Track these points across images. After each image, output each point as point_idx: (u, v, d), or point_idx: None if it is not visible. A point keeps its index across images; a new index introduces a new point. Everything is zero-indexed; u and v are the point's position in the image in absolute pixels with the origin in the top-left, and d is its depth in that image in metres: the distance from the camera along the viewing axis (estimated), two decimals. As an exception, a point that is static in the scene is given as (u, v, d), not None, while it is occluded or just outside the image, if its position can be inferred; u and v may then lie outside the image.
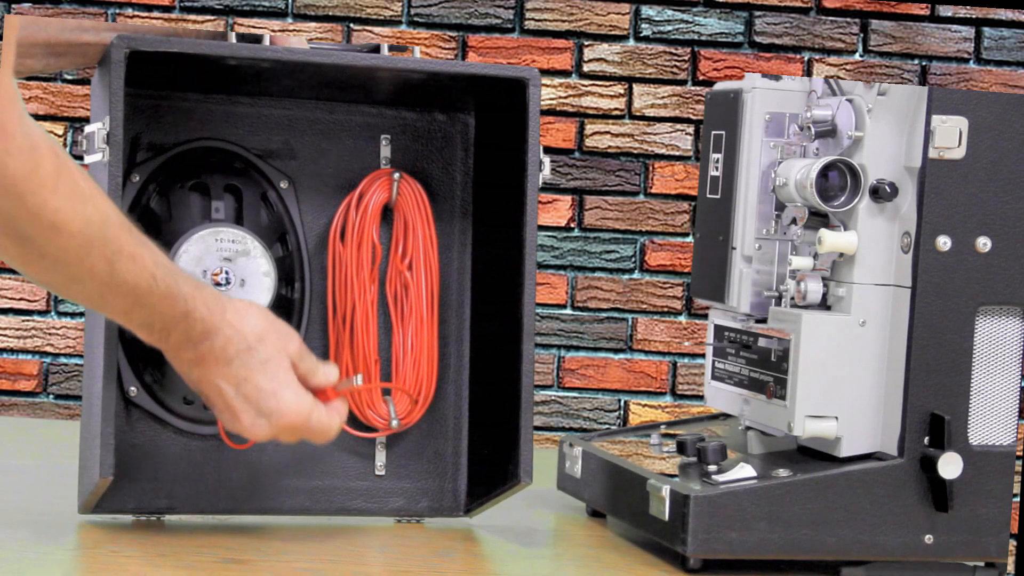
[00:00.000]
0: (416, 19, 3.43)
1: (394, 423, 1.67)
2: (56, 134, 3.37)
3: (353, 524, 1.67)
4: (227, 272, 1.60)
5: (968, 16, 3.49)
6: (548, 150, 3.47)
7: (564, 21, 3.46)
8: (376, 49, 1.65)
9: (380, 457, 1.69)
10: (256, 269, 1.61)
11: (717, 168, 1.71)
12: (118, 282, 1.32)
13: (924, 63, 3.50)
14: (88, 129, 1.54)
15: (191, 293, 1.39)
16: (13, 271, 3.41)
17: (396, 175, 1.69)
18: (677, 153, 3.49)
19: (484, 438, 1.69)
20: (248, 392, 1.44)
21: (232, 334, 1.43)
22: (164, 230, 1.61)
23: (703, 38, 3.47)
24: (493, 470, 1.65)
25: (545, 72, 3.47)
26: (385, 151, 1.71)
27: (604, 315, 3.49)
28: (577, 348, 3.49)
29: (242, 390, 1.44)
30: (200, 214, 1.63)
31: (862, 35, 3.50)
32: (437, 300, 1.69)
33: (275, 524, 1.64)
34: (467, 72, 1.67)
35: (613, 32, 3.47)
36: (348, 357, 1.67)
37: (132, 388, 1.61)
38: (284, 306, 1.66)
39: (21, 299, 3.41)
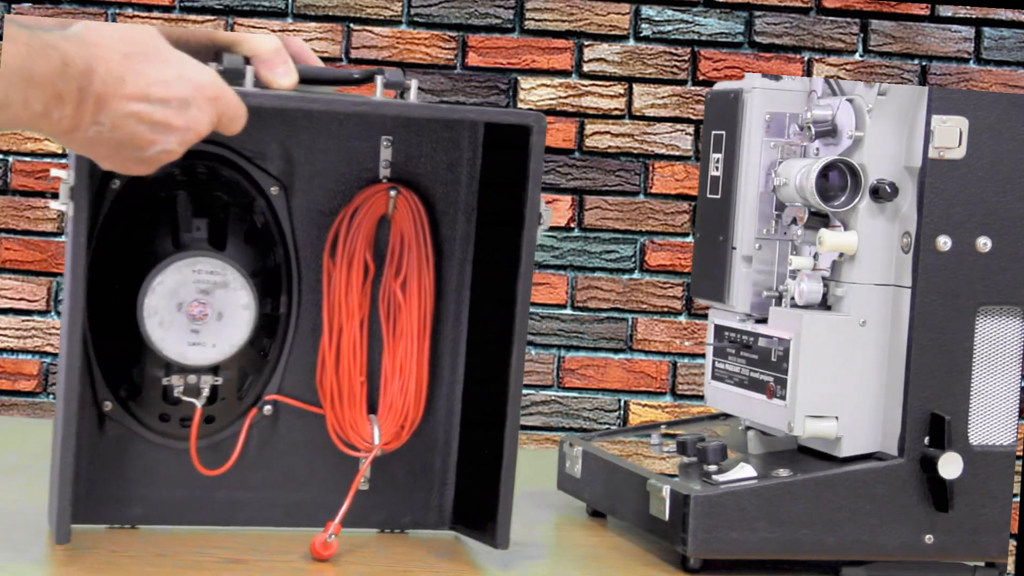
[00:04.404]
0: (416, 19, 3.43)
1: (378, 453, 1.60)
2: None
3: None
4: (203, 305, 1.54)
5: (968, 16, 3.49)
6: (548, 150, 3.47)
7: (564, 21, 3.46)
8: (370, 78, 1.55)
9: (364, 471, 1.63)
10: (235, 302, 1.54)
11: (717, 168, 1.71)
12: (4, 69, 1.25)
13: (924, 63, 3.50)
14: (55, 172, 1.49)
15: (54, 40, 1.31)
16: (13, 271, 3.42)
17: (393, 192, 1.61)
18: (677, 153, 3.49)
19: (475, 454, 1.63)
20: (159, 93, 1.34)
21: (103, 52, 1.32)
22: (144, 240, 1.56)
23: (703, 38, 3.47)
24: (482, 486, 1.58)
25: (545, 72, 3.47)
26: (385, 154, 1.64)
27: (604, 315, 3.49)
28: (577, 348, 3.49)
29: (153, 95, 1.34)
30: (183, 226, 1.57)
31: (862, 35, 3.50)
32: (430, 320, 1.63)
33: (275, 524, 1.64)
34: (468, 119, 1.62)
35: (613, 32, 3.47)
36: (333, 377, 1.61)
37: (107, 403, 1.57)
38: (269, 319, 1.60)
39: (21, 299, 3.41)
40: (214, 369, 1.58)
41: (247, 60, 1.50)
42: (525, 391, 3.46)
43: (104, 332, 1.57)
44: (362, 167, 1.63)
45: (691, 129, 3.48)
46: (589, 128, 3.48)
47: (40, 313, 3.40)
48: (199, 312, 1.53)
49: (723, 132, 1.70)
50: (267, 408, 1.61)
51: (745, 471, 1.58)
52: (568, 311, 3.48)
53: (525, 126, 1.52)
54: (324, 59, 3.48)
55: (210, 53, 1.54)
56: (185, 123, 1.36)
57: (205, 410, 1.58)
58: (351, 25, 3.43)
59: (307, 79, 1.55)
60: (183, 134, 1.37)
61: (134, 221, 1.57)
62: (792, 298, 1.64)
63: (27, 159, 3.39)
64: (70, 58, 1.30)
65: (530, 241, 1.52)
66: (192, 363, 1.55)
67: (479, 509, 1.58)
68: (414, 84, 1.55)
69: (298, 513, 1.62)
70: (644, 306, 3.49)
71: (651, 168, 3.49)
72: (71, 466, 1.46)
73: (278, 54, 1.52)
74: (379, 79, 1.55)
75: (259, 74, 1.50)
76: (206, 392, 1.58)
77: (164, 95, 1.35)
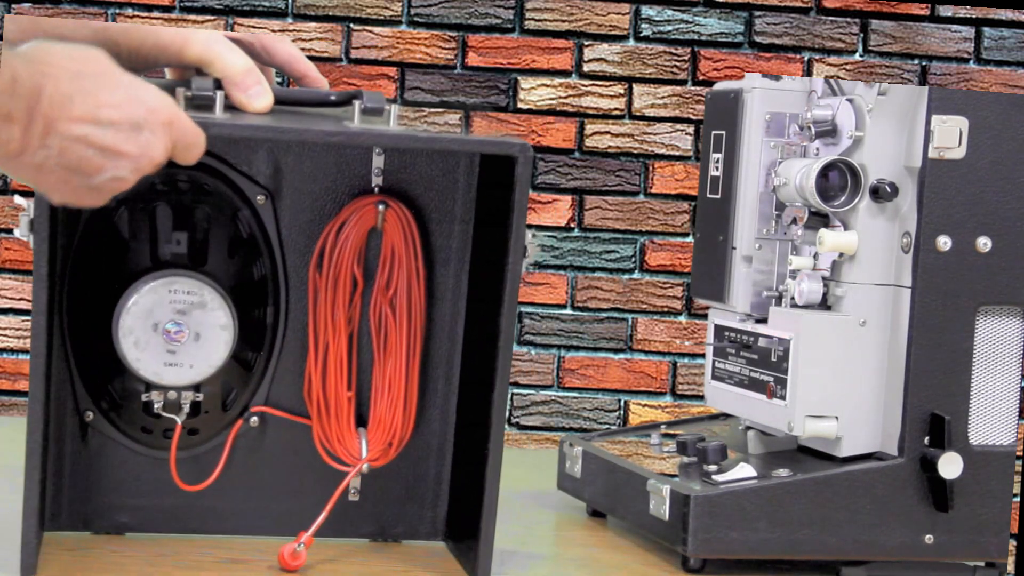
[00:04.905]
0: (416, 19, 3.43)
1: (365, 468, 1.57)
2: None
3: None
4: (180, 326, 1.49)
5: (968, 16, 3.49)
6: (548, 150, 3.48)
7: (564, 21, 3.46)
8: (348, 101, 1.50)
9: (354, 482, 1.60)
10: (213, 322, 1.50)
11: (717, 168, 1.71)
12: None
13: (924, 63, 3.50)
14: (18, 200, 1.46)
15: (4, 57, 1.24)
16: (13, 271, 3.42)
17: (381, 206, 1.56)
18: (677, 153, 3.49)
19: (472, 458, 1.58)
20: (108, 115, 1.26)
21: (52, 71, 1.24)
22: (122, 254, 1.53)
23: (703, 38, 3.47)
24: (475, 498, 1.54)
25: (545, 72, 3.47)
26: (378, 161, 1.57)
27: (604, 315, 3.49)
28: (577, 348, 3.49)
29: (103, 117, 1.25)
30: (162, 239, 1.54)
31: (862, 35, 3.50)
32: (420, 337, 1.59)
33: (275, 524, 1.64)
34: (449, 149, 1.56)
35: (613, 32, 3.47)
36: (320, 392, 1.58)
37: (88, 413, 1.54)
38: (255, 331, 1.57)
39: (21, 299, 3.41)
40: (195, 385, 1.54)
41: (218, 83, 1.46)
42: (525, 391, 3.46)
43: (84, 342, 1.54)
44: (353, 174, 1.58)
45: (691, 129, 3.48)
46: (589, 128, 3.48)
47: (40, 313, 3.40)
48: (176, 333, 1.49)
49: (723, 132, 1.70)
50: (253, 419, 1.58)
51: (745, 471, 1.58)
52: (568, 311, 3.48)
53: (510, 156, 1.45)
54: (324, 59, 3.49)
55: (189, 71, 1.50)
56: (137, 149, 1.27)
57: (189, 423, 1.55)
58: (351, 25, 3.43)
59: (283, 101, 1.50)
60: (135, 160, 1.28)
61: (113, 233, 1.54)
62: (792, 298, 1.64)
63: (27, 159, 3.39)
64: (19, 75, 1.23)
65: (514, 276, 1.47)
66: (169, 383, 1.51)
67: (472, 521, 1.55)
68: (394, 109, 1.49)
69: (286, 523, 1.58)
70: (644, 306, 3.49)
71: (651, 168, 3.49)
72: (35, 509, 1.42)
73: (250, 75, 1.46)
74: (357, 104, 1.49)
75: (231, 96, 1.45)
76: (187, 408, 1.54)
77: (114, 118, 1.26)
